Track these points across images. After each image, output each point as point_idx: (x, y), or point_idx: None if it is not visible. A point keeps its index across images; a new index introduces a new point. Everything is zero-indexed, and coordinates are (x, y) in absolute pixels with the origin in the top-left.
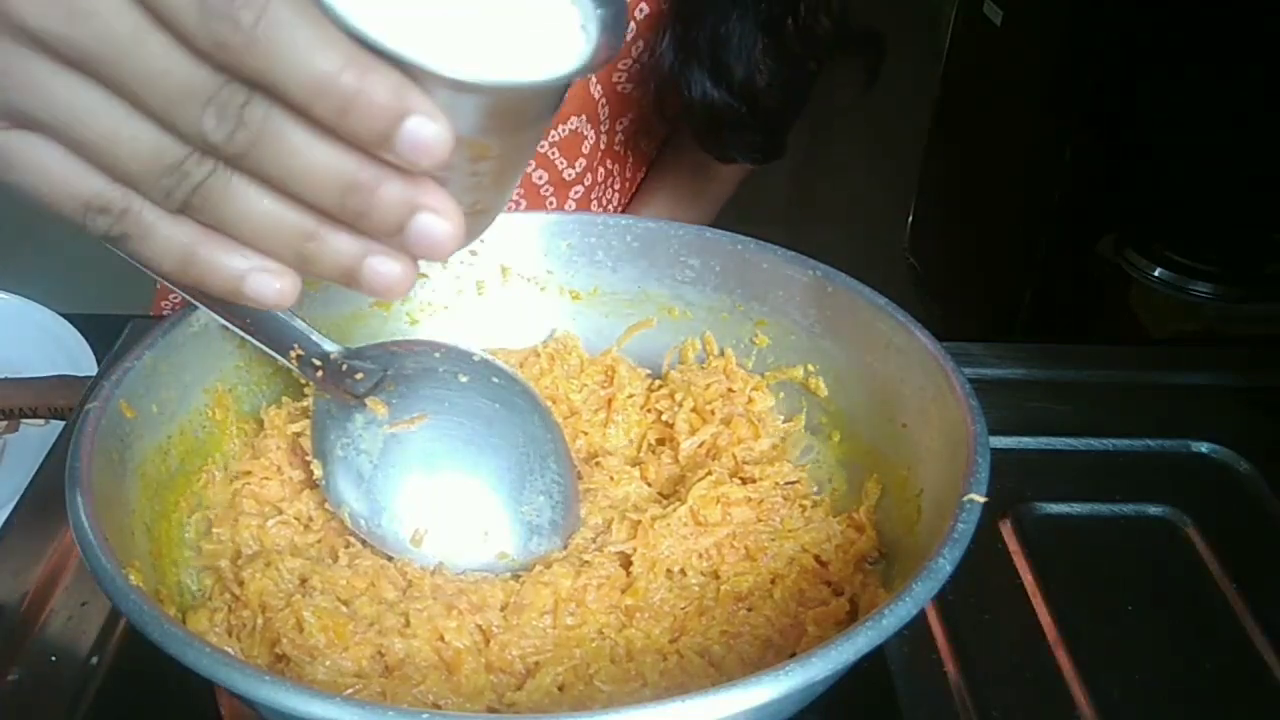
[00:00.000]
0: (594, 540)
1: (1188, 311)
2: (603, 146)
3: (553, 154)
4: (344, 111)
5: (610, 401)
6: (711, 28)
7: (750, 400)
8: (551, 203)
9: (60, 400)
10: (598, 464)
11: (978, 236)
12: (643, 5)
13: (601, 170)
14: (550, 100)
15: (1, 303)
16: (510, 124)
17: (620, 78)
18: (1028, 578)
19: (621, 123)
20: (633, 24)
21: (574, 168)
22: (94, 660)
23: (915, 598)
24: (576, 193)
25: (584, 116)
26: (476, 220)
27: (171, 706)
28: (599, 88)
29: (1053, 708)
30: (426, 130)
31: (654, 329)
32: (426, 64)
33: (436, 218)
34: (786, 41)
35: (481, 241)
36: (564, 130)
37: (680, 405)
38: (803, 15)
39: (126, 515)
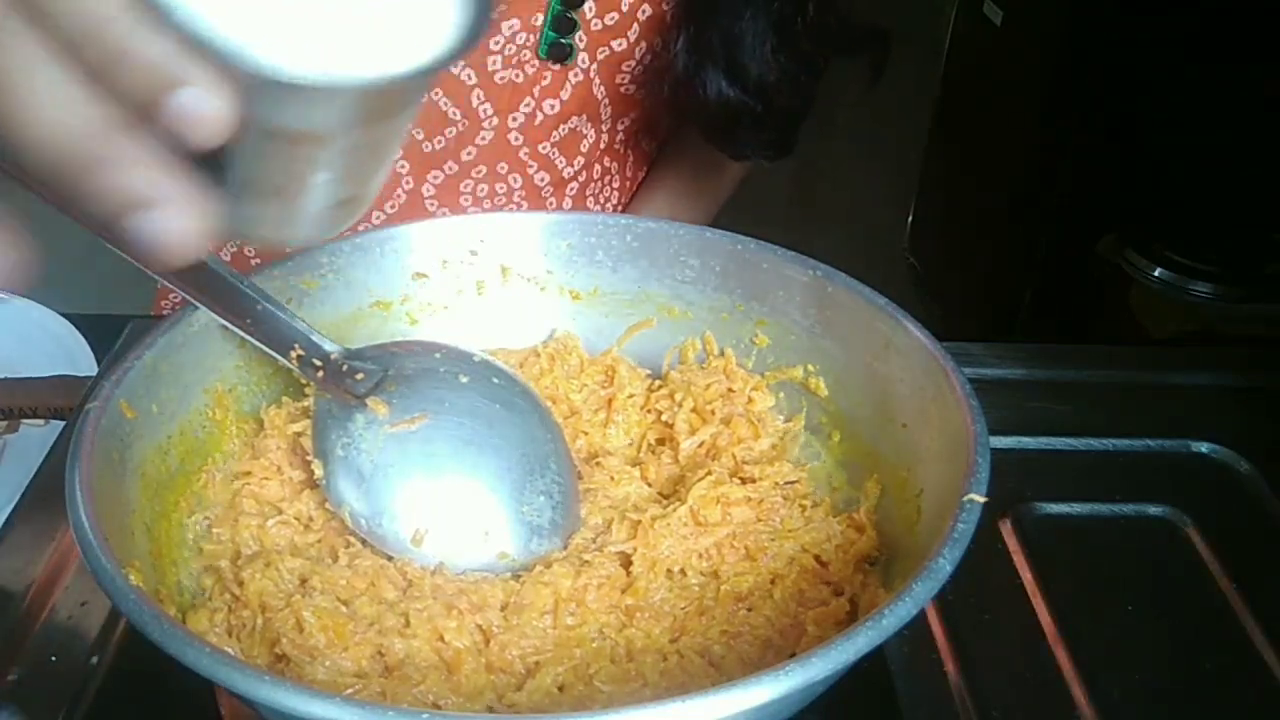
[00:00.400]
0: (594, 540)
1: (1188, 311)
2: (603, 146)
3: (553, 154)
4: (110, 63)
5: (610, 401)
6: (725, 27)
7: (750, 400)
8: (551, 203)
9: (60, 400)
10: (598, 464)
11: (978, 236)
12: (645, 6)
13: (598, 167)
14: (400, 96)
15: (1, 303)
16: (345, 118)
17: (623, 79)
18: (1028, 577)
19: (623, 123)
20: (636, 25)
21: (573, 166)
22: (94, 660)
23: (915, 598)
24: (572, 189)
25: (585, 116)
26: (342, 209)
27: (171, 706)
28: (602, 88)
29: (1053, 708)
30: (201, 105)
31: (654, 329)
32: (213, 41)
33: (160, 224)
34: (797, 39)
35: (481, 241)
36: (564, 129)
37: (680, 405)
38: (811, 13)
39: (126, 515)
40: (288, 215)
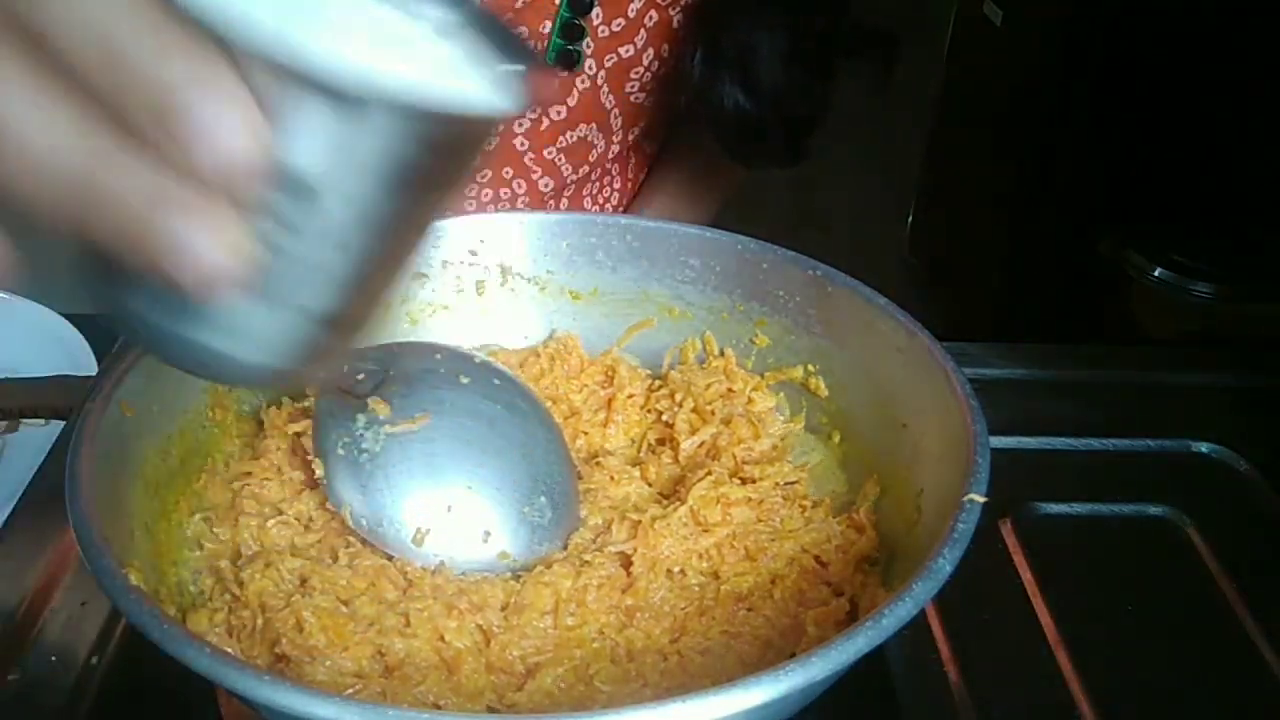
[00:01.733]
0: (594, 540)
1: (1188, 311)
2: (611, 154)
3: (559, 160)
4: (115, 81)
5: (610, 401)
6: (740, 40)
7: (750, 400)
8: (550, 205)
9: (60, 400)
10: (598, 464)
11: (977, 236)
12: (652, 13)
13: (599, 169)
14: (442, 152)
15: (1, 303)
16: (377, 166)
17: (632, 86)
18: (1028, 577)
19: (633, 131)
20: (643, 32)
21: (578, 173)
22: (94, 660)
23: (915, 598)
24: (569, 191)
25: (594, 125)
26: (326, 330)
27: (171, 706)
28: (611, 97)
29: (1053, 708)
30: (221, 124)
31: (654, 329)
32: (245, 28)
33: (191, 233)
34: (810, 49)
35: (482, 242)
36: (572, 137)
37: (680, 405)
38: (824, 22)
39: (126, 515)
40: (269, 312)
